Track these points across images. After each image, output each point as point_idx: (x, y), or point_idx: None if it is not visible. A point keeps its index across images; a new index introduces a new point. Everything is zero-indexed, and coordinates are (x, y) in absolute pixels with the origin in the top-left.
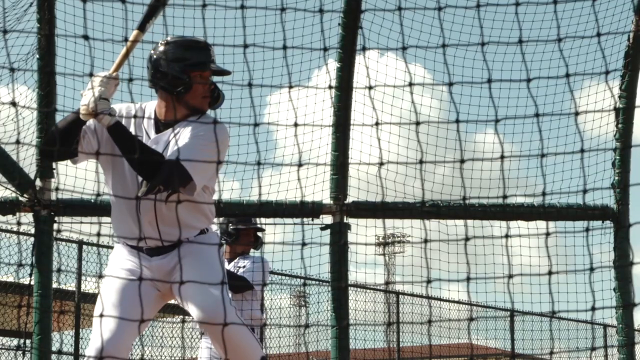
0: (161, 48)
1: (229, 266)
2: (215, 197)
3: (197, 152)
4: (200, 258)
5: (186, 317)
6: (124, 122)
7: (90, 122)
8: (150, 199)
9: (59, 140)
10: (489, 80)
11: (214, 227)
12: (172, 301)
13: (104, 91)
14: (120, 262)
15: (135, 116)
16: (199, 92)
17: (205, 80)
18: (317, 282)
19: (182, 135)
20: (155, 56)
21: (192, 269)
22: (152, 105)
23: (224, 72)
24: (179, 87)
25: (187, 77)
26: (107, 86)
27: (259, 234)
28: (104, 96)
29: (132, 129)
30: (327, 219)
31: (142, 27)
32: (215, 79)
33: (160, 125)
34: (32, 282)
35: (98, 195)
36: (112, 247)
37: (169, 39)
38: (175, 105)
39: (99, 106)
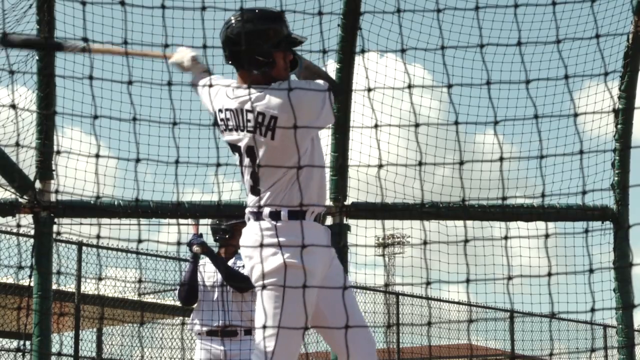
0: (238, 25)
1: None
2: (215, 198)
3: None
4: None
5: (186, 318)
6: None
7: None
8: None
9: None
10: (488, 82)
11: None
12: (171, 302)
13: None
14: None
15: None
16: (282, 65)
17: (286, 55)
18: None
19: None
20: (231, 35)
21: (342, 273)
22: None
23: (302, 41)
24: (263, 66)
25: (270, 55)
26: None
27: None
28: None
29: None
30: (327, 220)
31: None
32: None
33: None
34: (32, 284)
35: (98, 197)
36: (111, 249)
37: (243, 15)
38: (259, 78)
39: None
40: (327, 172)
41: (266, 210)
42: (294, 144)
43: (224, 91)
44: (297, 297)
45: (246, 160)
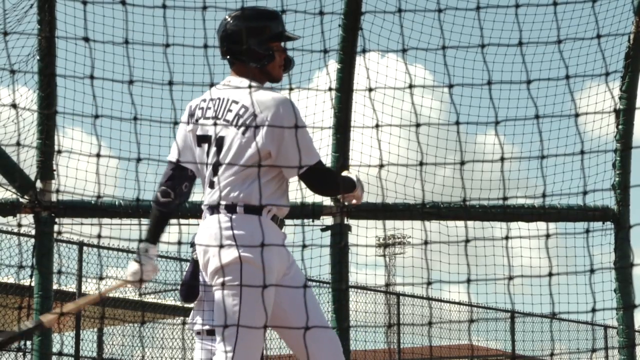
0: (236, 21)
1: None
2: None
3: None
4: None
5: (186, 318)
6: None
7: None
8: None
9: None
10: (489, 82)
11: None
12: (172, 302)
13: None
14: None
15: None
16: (278, 61)
17: (282, 49)
18: (318, 284)
19: None
20: (230, 30)
21: (303, 277)
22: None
23: (296, 38)
24: (263, 59)
25: (270, 49)
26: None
27: None
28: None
29: None
30: (328, 220)
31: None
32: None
33: None
34: (33, 284)
35: (99, 197)
36: (112, 249)
37: (241, 12)
38: (256, 73)
39: None
40: None
41: (223, 203)
42: (258, 146)
43: (206, 92)
44: (255, 294)
45: (213, 150)
